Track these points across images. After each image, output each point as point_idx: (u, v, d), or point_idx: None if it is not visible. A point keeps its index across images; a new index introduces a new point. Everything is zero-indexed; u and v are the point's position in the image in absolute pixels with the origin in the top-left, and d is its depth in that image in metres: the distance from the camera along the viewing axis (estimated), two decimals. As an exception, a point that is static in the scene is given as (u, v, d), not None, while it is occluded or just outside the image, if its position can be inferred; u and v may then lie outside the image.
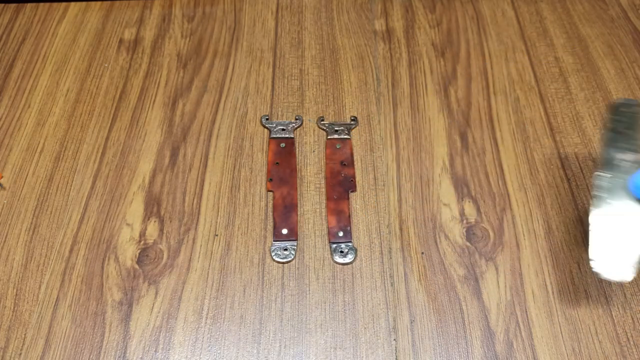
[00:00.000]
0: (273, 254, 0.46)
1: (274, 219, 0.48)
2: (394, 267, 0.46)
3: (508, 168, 0.53)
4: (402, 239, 0.48)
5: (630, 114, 0.41)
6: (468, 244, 0.48)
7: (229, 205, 0.50)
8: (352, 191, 0.50)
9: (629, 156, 0.37)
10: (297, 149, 0.54)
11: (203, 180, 0.51)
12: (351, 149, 0.53)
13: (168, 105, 0.57)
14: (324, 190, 0.51)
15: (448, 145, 0.54)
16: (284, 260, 0.46)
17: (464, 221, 0.49)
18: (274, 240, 0.47)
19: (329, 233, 0.48)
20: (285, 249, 0.47)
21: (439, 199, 0.50)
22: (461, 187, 0.51)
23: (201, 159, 0.53)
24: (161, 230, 0.48)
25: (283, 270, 0.46)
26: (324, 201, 0.50)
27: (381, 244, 0.48)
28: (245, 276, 0.46)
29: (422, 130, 0.55)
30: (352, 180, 0.51)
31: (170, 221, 0.48)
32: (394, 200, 0.51)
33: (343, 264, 0.46)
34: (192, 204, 0.50)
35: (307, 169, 0.52)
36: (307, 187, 0.51)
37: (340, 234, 0.48)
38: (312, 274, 0.46)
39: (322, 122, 0.55)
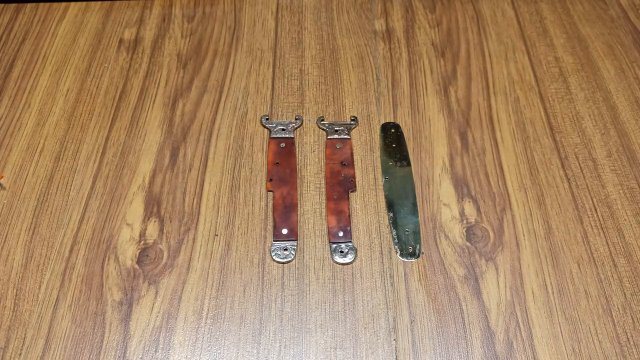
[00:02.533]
0: (273, 254, 0.46)
1: (274, 219, 0.48)
2: (394, 267, 0.46)
3: (508, 168, 0.53)
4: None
5: (393, 132, 0.55)
6: (468, 244, 0.48)
7: (229, 205, 0.50)
8: (352, 191, 0.50)
9: (397, 162, 0.52)
10: (297, 149, 0.54)
11: (203, 180, 0.51)
12: (351, 149, 0.53)
13: (168, 105, 0.57)
14: (324, 190, 0.51)
15: (448, 145, 0.54)
16: (284, 260, 0.46)
17: (464, 221, 0.49)
18: (274, 240, 0.47)
19: (329, 233, 0.48)
20: (285, 249, 0.47)
21: (439, 199, 0.50)
22: (461, 187, 0.51)
23: (201, 158, 0.53)
24: (161, 230, 0.48)
25: (283, 270, 0.46)
26: (324, 201, 0.50)
27: (381, 244, 0.48)
28: (245, 276, 0.46)
29: (422, 131, 0.55)
30: (352, 180, 0.51)
31: (170, 221, 0.48)
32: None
33: (343, 264, 0.46)
34: (192, 204, 0.50)
35: (307, 169, 0.52)
36: (307, 187, 0.51)
37: (340, 234, 0.48)
38: (312, 274, 0.46)
39: (322, 122, 0.55)
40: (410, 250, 0.47)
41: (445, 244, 0.48)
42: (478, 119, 0.56)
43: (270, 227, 0.48)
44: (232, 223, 0.49)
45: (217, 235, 0.48)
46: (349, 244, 0.47)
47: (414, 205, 0.49)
